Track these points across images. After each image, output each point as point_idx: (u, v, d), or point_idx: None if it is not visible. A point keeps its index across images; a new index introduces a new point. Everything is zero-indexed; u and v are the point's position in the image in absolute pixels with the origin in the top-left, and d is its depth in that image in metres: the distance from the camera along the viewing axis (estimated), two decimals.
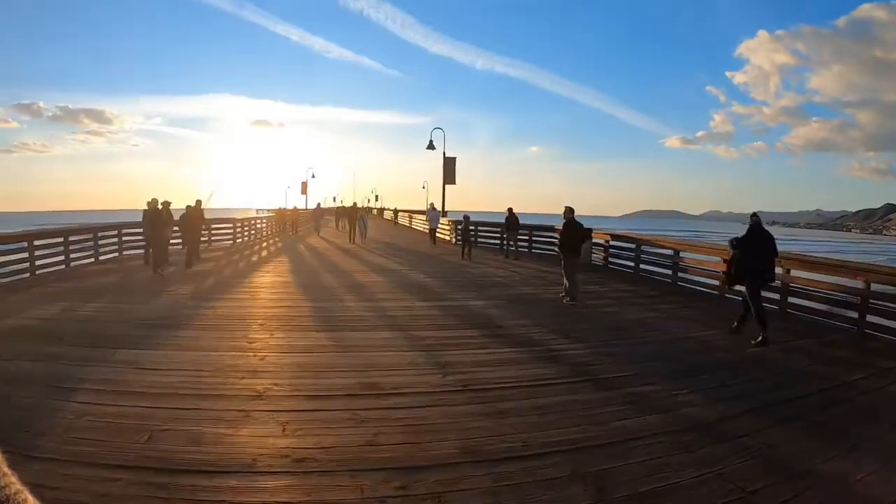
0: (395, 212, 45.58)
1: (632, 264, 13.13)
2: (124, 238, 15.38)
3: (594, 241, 14.03)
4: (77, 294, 9.35)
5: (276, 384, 4.68)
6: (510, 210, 16.27)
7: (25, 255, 11.19)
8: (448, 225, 22.38)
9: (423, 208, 34.56)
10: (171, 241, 13.27)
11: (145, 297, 8.92)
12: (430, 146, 22.35)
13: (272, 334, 6.44)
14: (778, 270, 7.88)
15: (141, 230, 14.88)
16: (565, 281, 9.04)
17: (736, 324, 7.02)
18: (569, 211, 9.26)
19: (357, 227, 21.96)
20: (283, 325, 6.91)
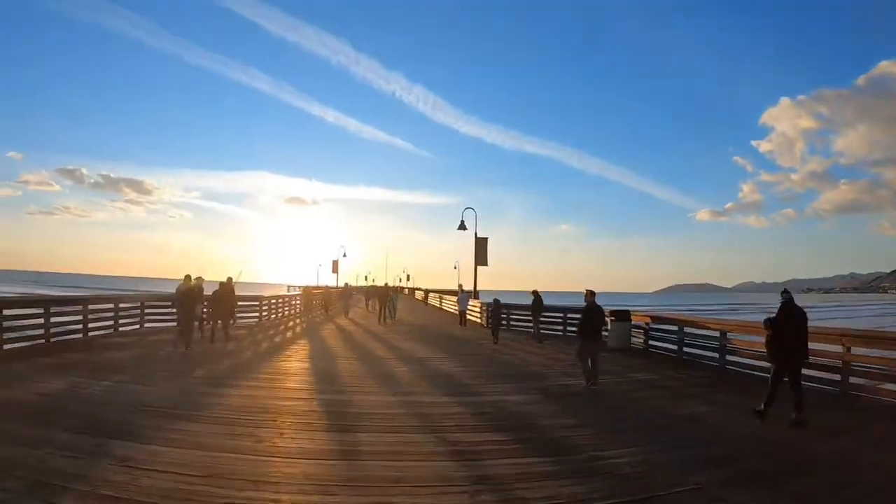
0: (426, 293, 46.26)
1: (675, 347, 12.29)
2: (147, 310, 15.22)
3: (633, 323, 13.76)
4: (89, 368, 8.92)
5: (277, 501, 3.92)
6: (535, 292, 16.02)
7: (41, 320, 10.95)
8: (478, 307, 21.95)
9: (454, 288, 34.63)
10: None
11: (158, 378, 8.37)
12: (462, 226, 22.19)
13: (283, 434, 5.65)
14: (837, 349, 7.97)
15: (166, 304, 15.36)
16: (582, 365, 8.84)
17: (794, 415, 6.49)
18: (589, 294, 9.10)
19: (387, 308, 21.69)
20: (297, 423, 6.13)
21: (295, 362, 10.66)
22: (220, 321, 13.29)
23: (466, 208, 22.32)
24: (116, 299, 14.39)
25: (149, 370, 9.02)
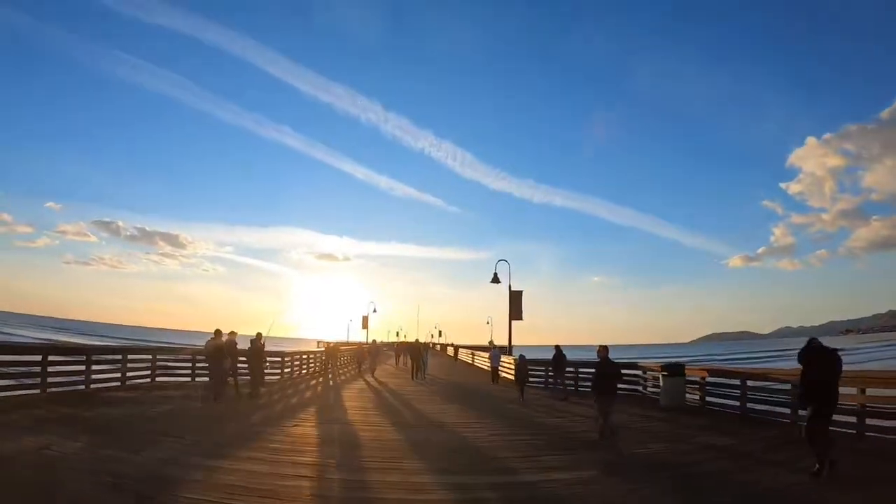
0: (456, 349, 46.10)
1: (736, 403, 10.92)
2: (159, 363, 14.17)
3: (687, 378, 12.47)
4: (71, 425, 7.73)
5: None
6: (557, 347, 15.67)
7: (38, 368, 10.01)
8: (512, 363, 19.89)
9: (486, 344, 33.62)
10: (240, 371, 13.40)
11: (145, 441, 7.07)
12: (495, 279, 20.84)
13: None
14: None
15: (183, 358, 15.28)
16: (599, 419, 8.52)
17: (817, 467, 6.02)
18: (602, 350, 8.92)
19: (420, 363, 21.52)
20: None
21: (308, 428, 9.00)
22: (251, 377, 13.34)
23: (500, 261, 21.15)
24: (125, 350, 13.45)
25: (138, 431, 7.80)
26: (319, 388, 16.86)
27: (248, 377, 13.41)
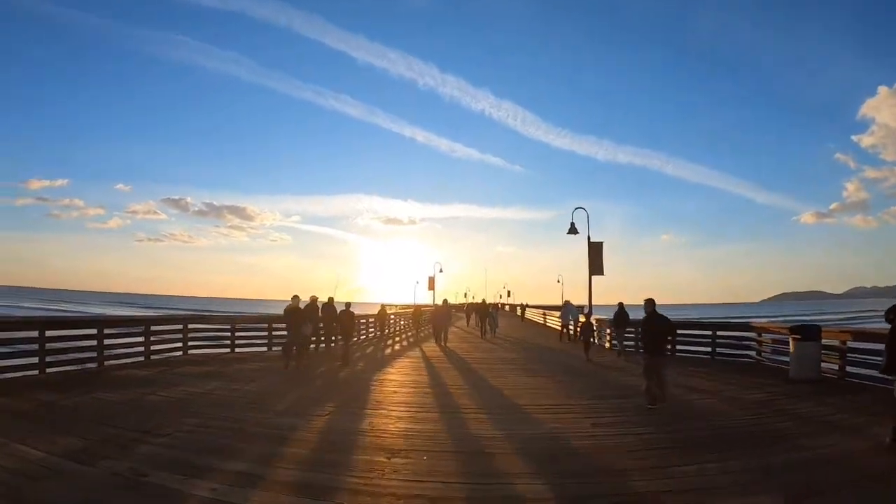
0: (523, 308, 44.82)
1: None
2: (192, 333, 12.62)
3: (823, 342, 9.77)
4: (45, 416, 5.98)
5: None
6: (620, 305, 14.53)
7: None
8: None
9: (560, 304, 31.99)
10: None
11: (111, 447, 5.12)
12: (572, 230, 17.81)
13: None
14: None
15: (223, 327, 14.47)
16: (645, 383, 7.52)
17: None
18: (649, 304, 7.90)
19: (487, 322, 22.50)
20: None
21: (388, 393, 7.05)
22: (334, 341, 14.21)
23: (577, 208, 17.87)
24: (148, 321, 11.80)
25: (118, 427, 5.78)
26: (397, 347, 16.77)
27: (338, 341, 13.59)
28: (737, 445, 5.30)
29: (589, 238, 17.62)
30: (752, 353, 12.16)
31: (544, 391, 8.84)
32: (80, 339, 9.78)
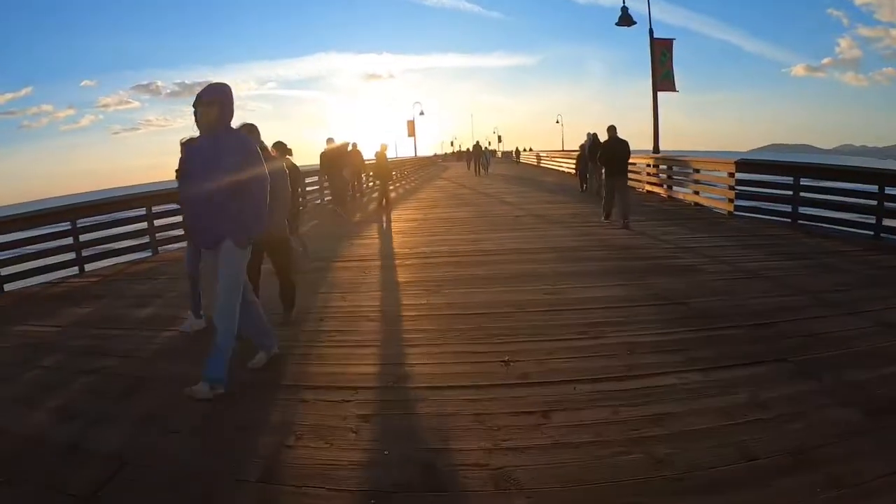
0: (517, 152, 43.83)
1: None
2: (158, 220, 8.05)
3: None
4: None
5: None
6: (591, 136, 12.65)
7: None
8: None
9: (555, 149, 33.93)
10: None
11: None
12: (624, 19, 12.61)
13: None
14: None
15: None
16: (604, 199, 8.54)
17: None
18: (611, 130, 8.56)
19: (481, 161, 26.71)
20: None
21: None
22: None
23: None
24: (75, 211, 7.12)
25: None
26: None
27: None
28: None
29: (651, 32, 12.64)
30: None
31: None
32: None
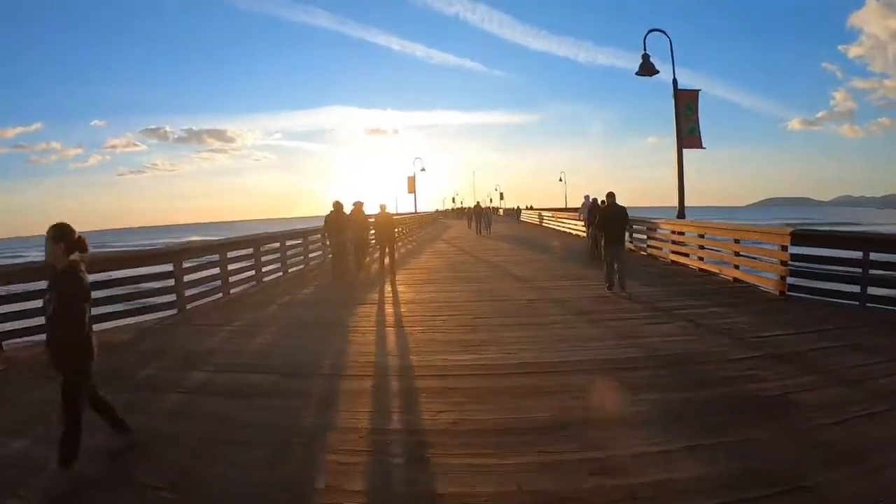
0: (518, 211, 44.51)
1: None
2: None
3: None
4: None
5: None
6: (589, 198, 13.92)
7: None
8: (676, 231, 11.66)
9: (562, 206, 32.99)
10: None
11: None
12: (645, 68, 11.26)
13: None
14: None
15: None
16: (606, 268, 8.29)
17: None
18: (610, 196, 8.65)
19: (483, 221, 26.16)
20: None
21: None
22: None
23: (651, 30, 11.25)
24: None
25: None
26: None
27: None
28: None
29: (675, 81, 11.28)
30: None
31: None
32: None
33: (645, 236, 13.33)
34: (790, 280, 7.96)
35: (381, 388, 4.30)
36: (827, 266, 7.76)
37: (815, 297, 7.47)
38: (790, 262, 7.90)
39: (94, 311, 6.61)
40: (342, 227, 10.89)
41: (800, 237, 7.97)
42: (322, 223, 11.47)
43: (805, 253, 7.97)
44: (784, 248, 7.95)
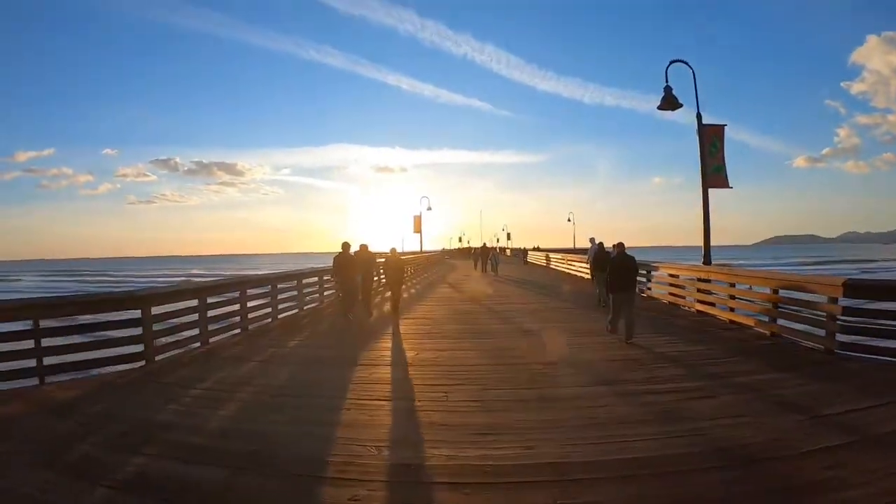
0: (524, 252, 44.59)
1: None
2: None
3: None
4: None
5: None
6: (594, 242, 13.02)
7: None
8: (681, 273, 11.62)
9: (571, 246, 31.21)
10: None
11: None
12: (668, 102, 10.42)
13: None
14: None
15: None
16: (611, 314, 8.36)
17: None
18: (619, 246, 8.50)
19: (489, 263, 27.22)
20: None
21: None
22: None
23: (674, 61, 10.74)
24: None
25: None
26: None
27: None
28: None
29: (699, 116, 10.42)
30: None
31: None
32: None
33: (667, 283, 12.35)
34: (840, 337, 7.00)
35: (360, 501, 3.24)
36: (888, 321, 6.82)
37: (871, 357, 6.56)
38: (841, 317, 6.96)
39: (54, 359, 5.86)
40: (350, 267, 10.90)
41: (854, 289, 7.03)
42: (331, 261, 11.37)
43: (863, 307, 7.03)
44: (834, 300, 7.00)
